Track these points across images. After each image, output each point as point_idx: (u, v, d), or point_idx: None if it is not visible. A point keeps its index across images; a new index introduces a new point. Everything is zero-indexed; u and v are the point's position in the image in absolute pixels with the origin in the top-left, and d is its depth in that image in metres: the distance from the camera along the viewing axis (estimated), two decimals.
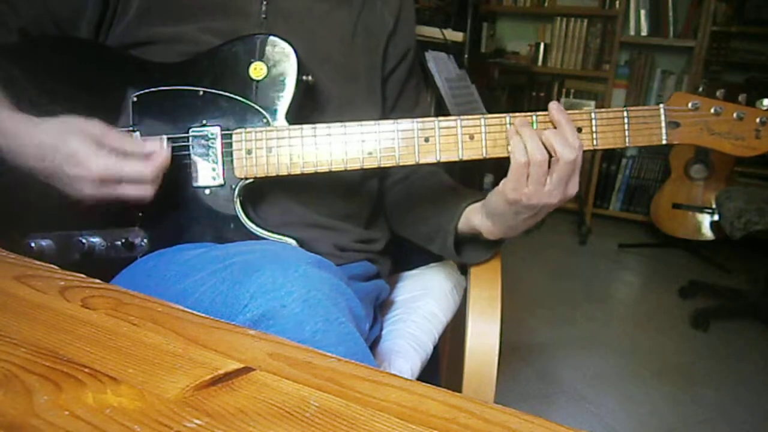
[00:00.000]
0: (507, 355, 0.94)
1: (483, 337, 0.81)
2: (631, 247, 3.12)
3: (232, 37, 0.74)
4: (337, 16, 0.83)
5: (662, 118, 0.72)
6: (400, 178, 0.92)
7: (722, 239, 2.74)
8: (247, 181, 0.73)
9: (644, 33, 3.35)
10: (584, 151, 0.70)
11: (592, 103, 3.56)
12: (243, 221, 0.73)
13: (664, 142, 0.72)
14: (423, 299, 0.94)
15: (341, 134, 0.71)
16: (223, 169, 0.73)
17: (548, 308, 2.32)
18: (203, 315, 0.43)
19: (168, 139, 0.73)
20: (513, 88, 3.48)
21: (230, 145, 0.73)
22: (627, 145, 0.72)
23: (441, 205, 0.82)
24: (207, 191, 0.73)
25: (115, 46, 0.77)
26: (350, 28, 0.84)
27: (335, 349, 0.55)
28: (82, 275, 0.48)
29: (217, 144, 0.73)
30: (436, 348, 0.89)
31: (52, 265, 0.50)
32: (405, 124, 0.71)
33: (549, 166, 0.67)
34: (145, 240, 0.72)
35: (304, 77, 0.74)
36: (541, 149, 0.66)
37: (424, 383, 0.35)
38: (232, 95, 0.73)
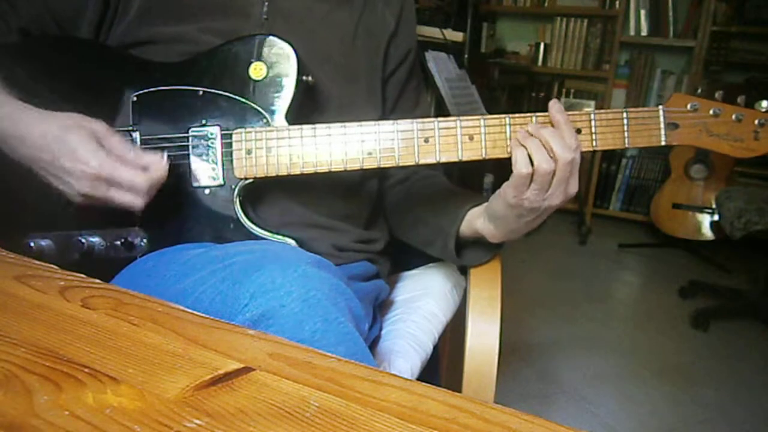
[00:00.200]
0: (507, 355, 0.94)
1: (483, 337, 0.81)
2: (631, 247, 3.12)
3: (233, 37, 0.74)
4: (338, 16, 0.83)
5: (661, 119, 0.72)
6: (399, 180, 0.92)
7: (722, 239, 2.74)
8: (247, 181, 0.73)
9: (644, 33, 3.35)
10: (584, 152, 0.70)
11: (592, 103, 3.56)
12: (242, 221, 0.73)
13: (663, 143, 0.72)
14: (423, 299, 0.94)
15: (341, 134, 0.71)
16: (223, 169, 0.73)
17: (548, 308, 2.32)
18: (203, 315, 0.43)
19: (167, 139, 0.73)
20: (513, 88, 3.48)
21: (230, 145, 0.73)
22: (626, 146, 0.72)
23: (441, 207, 0.82)
24: (206, 191, 0.73)
25: (116, 45, 0.77)
26: (351, 29, 0.84)
27: (334, 349, 0.55)
28: (82, 275, 0.48)
29: (217, 144, 0.73)
30: (436, 348, 0.89)
31: (52, 265, 0.50)
32: (405, 124, 0.71)
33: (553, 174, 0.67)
34: (145, 240, 0.72)
35: (304, 77, 0.74)
36: (548, 160, 0.66)
37: (424, 383, 0.35)
38: (231, 95, 0.73)
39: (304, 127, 0.72)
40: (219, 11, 0.77)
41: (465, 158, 0.71)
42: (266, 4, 0.77)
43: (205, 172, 0.73)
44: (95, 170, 0.64)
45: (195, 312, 0.43)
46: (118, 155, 0.66)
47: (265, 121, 0.73)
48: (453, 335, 1.02)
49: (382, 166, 0.72)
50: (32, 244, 0.70)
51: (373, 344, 0.83)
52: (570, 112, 0.70)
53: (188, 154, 0.73)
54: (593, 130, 0.71)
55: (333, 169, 0.72)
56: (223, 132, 0.73)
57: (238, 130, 0.72)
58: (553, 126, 0.69)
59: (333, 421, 0.31)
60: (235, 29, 0.75)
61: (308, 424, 0.31)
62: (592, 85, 3.56)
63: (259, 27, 0.77)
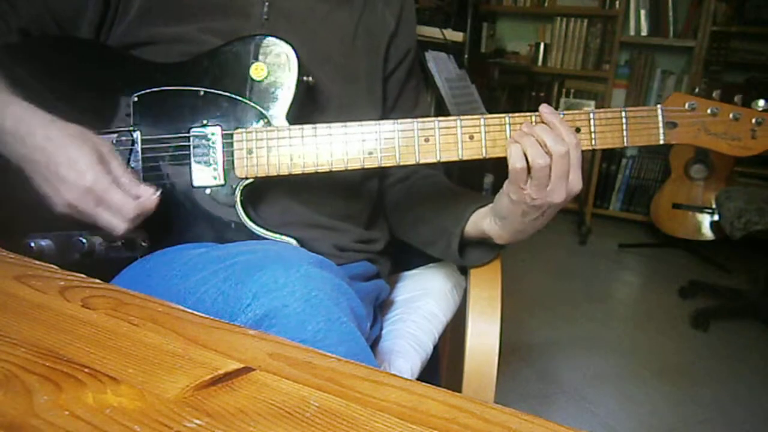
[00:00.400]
0: (507, 355, 0.94)
1: (483, 337, 0.81)
2: (631, 247, 3.12)
3: (233, 38, 0.74)
4: (338, 16, 0.83)
5: (660, 118, 0.72)
6: (399, 179, 0.91)
7: (722, 239, 2.74)
8: (248, 181, 0.73)
9: (644, 33, 3.35)
10: (583, 151, 0.70)
11: (592, 103, 3.56)
12: (243, 221, 0.73)
13: (661, 142, 0.72)
14: (423, 299, 0.94)
15: (342, 134, 0.71)
16: (224, 169, 0.73)
17: (548, 308, 2.32)
18: (203, 315, 0.43)
19: (168, 139, 0.73)
20: (513, 88, 3.48)
21: (231, 145, 0.73)
22: (625, 145, 0.72)
23: (444, 207, 0.82)
24: (207, 191, 0.73)
25: (116, 46, 0.77)
26: (351, 29, 0.84)
27: (337, 349, 0.55)
28: (82, 275, 0.48)
29: (218, 144, 0.73)
30: (436, 348, 0.89)
31: (52, 265, 0.50)
32: (405, 124, 0.71)
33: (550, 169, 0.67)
34: (146, 240, 0.72)
35: (305, 78, 0.74)
36: (543, 155, 0.66)
37: (424, 383, 0.35)
38: (232, 95, 0.73)
39: (305, 126, 0.72)
40: (219, 11, 0.77)
41: (465, 157, 0.71)
42: (266, 4, 0.77)
43: (206, 173, 0.73)
44: (89, 183, 0.63)
45: (195, 312, 0.43)
46: (115, 177, 0.66)
47: (265, 121, 0.73)
48: (453, 335, 1.02)
49: (382, 165, 0.72)
50: (32, 244, 0.70)
51: (373, 344, 0.83)
52: (569, 112, 0.71)
53: (189, 155, 0.73)
54: (592, 129, 0.71)
55: (334, 169, 0.72)
56: (224, 132, 0.73)
57: (239, 130, 0.72)
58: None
59: (333, 421, 0.31)
60: (236, 29, 0.75)
61: (308, 424, 0.31)
62: (592, 85, 3.56)
63: (259, 27, 0.77)
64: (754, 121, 0.72)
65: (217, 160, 0.73)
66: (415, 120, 0.71)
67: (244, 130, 0.72)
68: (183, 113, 0.73)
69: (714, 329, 2.21)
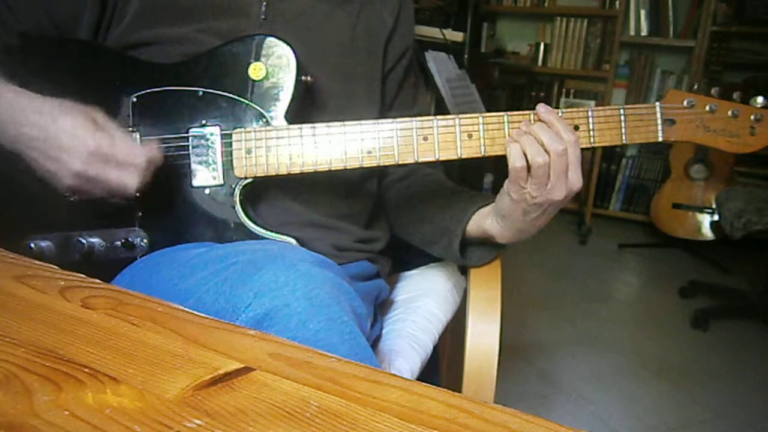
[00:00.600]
0: (507, 355, 0.94)
1: (483, 337, 0.81)
2: (631, 247, 3.12)
3: (232, 38, 0.74)
4: (337, 16, 0.83)
5: (658, 115, 0.72)
6: (399, 177, 0.91)
7: (722, 239, 2.74)
8: (247, 181, 0.73)
9: (644, 33, 3.35)
10: (583, 149, 0.70)
11: (592, 103, 3.56)
12: (243, 221, 0.73)
13: (660, 139, 0.73)
14: (423, 299, 0.94)
15: (340, 133, 0.72)
16: (223, 169, 0.73)
17: (548, 308, 2.32)
18: (203, 315, 0.43)
19: (167, 139, 0.73)
20: (513, 88, 3.47)
21: (230, 145, 0.73)
22: (624, 142, 0.72)
23: (445, 206, 0.82)
24: (207, 191, 0.73)
25: (115, 47, 0.77)
26: (349, 29, 0.84)
27: (338, 348, 0.55)
28: (82, 275, 0.48)
29: (217, 144, 0.73)
30: (436, 348, 0.89)
31: (52, 265, 0.50)
32: (403, 122, 0.71)
33: (549, 168, 0.67)
34: (145, 240, 0.72)
35: (303, 77, 0.74)
36: (542, 153, 0.66)
37: (424, 383, 0.35)
38: (231, 95, 0.73)
39: (304, 126, 0.72)
40: (217, 12, 0.77)
41: (464, 156, 0.71)
42: (264, 4, 0.77)
43: (205, 173, 0.73)
44: (92, 145, 0.63)
45: (195, 312, 0.43)
46: (114, 135, 0.66)
47: (264, 120, 0.73)
48: (453, 335, 1.02)
49: (381, 164, 0.72)
50: (32, 246, 0.70)
51: (373, 344, 0.83)
52: (567, 110, 0.71)
53: (188, 155, 0.73)
54: (591, 126, 0.72)
55: (333, 168, 0.72)
56: (222, 132, 0.73)
57: (238, 130, 0.72)
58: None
59: (333, 421, 0.31)
60: (234, 30, 0.75)
61: (308, 424, 0.31)
62: (592, 85, 3.56)
63: (257, 27, 0.77)
64: (752, 117, 0.72)
65: (216, 160, 0.73)
66: (413, 119, 0.71)
67: (243, 130, 0.72)
68: (182, 113, 0.73)
69: (714, 329, 2.21)
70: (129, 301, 0.44)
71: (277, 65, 0.73)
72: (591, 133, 0.72)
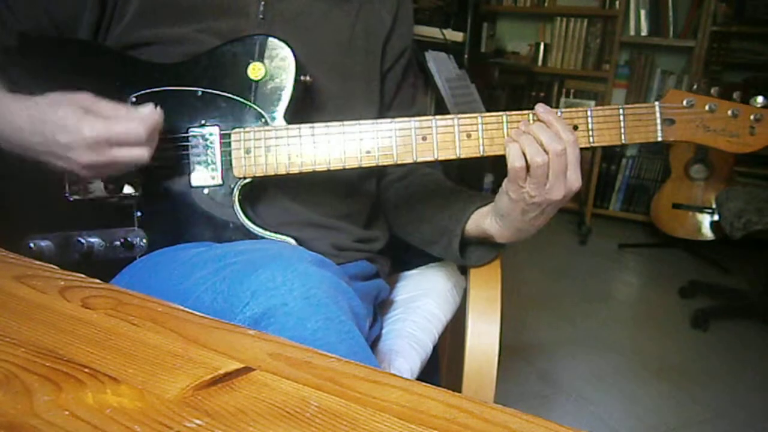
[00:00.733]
0: (507, 355, 0.94)
1: (483, 337, 0.81)
2: (631, 247, 3.12)
3: (231, 38, 0.74)
4: (335, 15, 0.83)
5: (657, 115, 0.72)
6: (398, 177, 0.91)
7: (722, 239, 2.74)
8: (246, 181, 0.73)
9: (644, 33, 3.35)
10: (582, 149, 0.70)
11: (593, 103, 3.56)
12: (242, 221, 0.73)
13: (659, 138, 0.73)
14: (423, 299, 0.94)
15: (339, 133, 0.72)
16: (222, 169, 0.73)
17: (548, 308, 2.32)
18: (203, 315, 0.43)
19: (166, 139, 0.73)
20: (513, 88, 3.48)
21: (229, 144, 0.73)
22: (623, 142, 0.72)
23: (444, 206, 0.82)
24: (206, 191, 0.73)
25: (114, 47, 0.77)
26: (348, 28, 0.84)
27: (336, 348, 0.55)
28: (82, 275, 0.48)
29: (216, 144, 0.73)
30: (435, 348, 0.89)
31: (52, 265, 0.50)
32: (402, 122, 0.71)
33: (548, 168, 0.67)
34: (144, 240, 0.72)
35: (302, 77, 0.74)
36: (541, 153, 0.67)
37: (424, 383, 0.35)
38: (230, 95, 0.73)
39: (303, 126, 0.72)
40: (216, 12, 0.77)
41: (463, 156, 0.71)
42: (263, 4, 0.77)
43: (204, 173, 0.73)
44: (88, 135, 0.63)
45: (195, 312, 0.43)
46: (108, 116, 0.65)
47: (263, 120, 0.73)
48: (453, 335, 1.02)
49: (380, 164, 0.72)
50: (32, 245, 0.70)
51: (373, 344, 0.83)
52: (567, 110, 0.71)
53: (187, 155, 0.73)
54: (590, 126, 0.72)
55: (332, 168, 0.72)
56: (222, 132, 0.73)
57: (237, 130, 0.72)
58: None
59: (333, 421, 0.31)
60: (233, 30, 0.75)
61: (308, 424, 0.31)
62: (592, 85, 3.56)
63: (255, 27, 0.77)
64: (752, 117, 0.72)
65: (215, 160, 0.73)
66: (412, 119, 0.71)
67: (242, 129, 0.72)
68: (181, 113, 0.73)
69: (714, 329, 2.21)
70: (129, 301, 0.44)
71: (276, 65, 0.73)
72: (590, 133, 0.72)
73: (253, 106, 0.73)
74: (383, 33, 0.87)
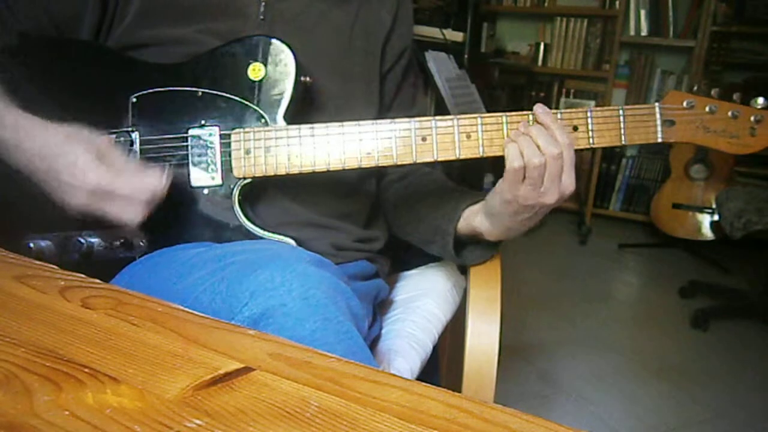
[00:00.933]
0: (507, 355, 0.94)
1: (483, 337, 0.81)
2: (631, 247, 3.12)
3: (231, 39, 0.74)
4: (335, 16, 0.83)
5: (657, 116, 0.72)
6: (397, 177, 0.91)
7: (722, 239, 2.74)
8: (246, 181, 0.73)
9: (644, 33, 3.35)
10: (582, 150, 0.70)
11: (592, 103, 3.56)
12: (241, 221, 0.73)
13: (659, 140, 0.73)
14: (423, 299, 0.94)
15: (339, 134, 0.72)
16: (222, 170, 0.73)
17: (548, 308, 2.32)
18: (203, 315, 0.43)
19: (166, 140, 0.73)
20: (513, 88, 3.48)
21: (229, 145, 0.73)
22: (623, 143, 0.72)
23: (439, 206, 0.82)
24: (205, 191, 0.73)
25: (115, 47, 0.77)
26: (348, 28, 0.84)
27: (334, 348, 0.55)
28: (82, 275, 0.48)
29: (216, 144, 0.73)
30: (435, 348, 0.89)
31: (52, 265, 0.50)
32: (402, 123, 0.71)
33: (545, 170, 0.67)
34: (144, 240, 0.72)
35: (303, 78, 0.74)
36: (538, 154, 0.66)
37: (423, 383, 0.35)
38: (230, 96, 0.73)
39: (303, 126, 0.72)
40: (216, 13, 0.77)
41: (463, 156, 0.71)
42: (263, 5, 0.77)
43: (204, 173, 0.73)
44: (92, 184, 0.63)
45: (195, 312, 0.43)
46: (118, 169, 0.65)
47: (263, 121, 0.73)
48: (453, 335, 1.02)
49: (380, 165, 0.72)
50: (32, 245, 0.70)
51: (373, 344, 0.83)
52: (566, 110, 0.71)
53: (187, 155, 0.73)
54: (590, 127, 0.72)
55: (332, 169, 0.72)
56: (222, 132, 0.73)
57: (237, 131, 0.72)
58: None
59: (333, 421, 0.31)
60: (233, 30, 0.75)
61: (308, 424, 0.31)
62: (592, 85, 3.56)
63: (255, 28, 0.77)
64: (753, 118, 0.72)
65: (215, 160, 0.73)
66: (412, 119, 0.71)
67: (242, 130, 0.72)
68: (181, 114, 0.73)
69: (714, 329, 2.21)
70: (129, 301, 0.44)
71: (276, 66, 0.73)
72: (590, 133, 0.71)
73: (253, 106, 0.73)
74: (383, 33, 0.87)
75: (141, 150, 0.73)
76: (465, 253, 0.84)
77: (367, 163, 0.72)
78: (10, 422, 0.30)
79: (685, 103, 0.72)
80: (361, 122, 0.72)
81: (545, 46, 3.59)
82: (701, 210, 2.91)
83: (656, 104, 0.72)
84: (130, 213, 0.66)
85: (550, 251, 2.98)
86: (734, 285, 2.69)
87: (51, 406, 0.31)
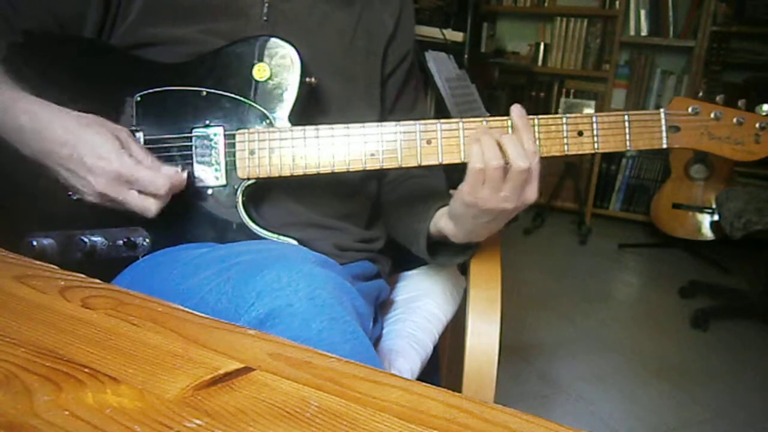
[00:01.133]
0: (507, 355, 0.94)
1: (483, 337, 0.81)
2: (631, 247, 3.12)
3: (234, 39, 0.74)
4: (338, 17, 0.83)
5: (663, 122, 0.72)
6: (391, 180, 0.91)
7: (722, 239, 2.74)
8: (250, 182, 0.73)
9: (644, 33, 3.35)
10: (585, 154, 0.70)
11: (592, 103, 3.56)
12: (245, 221, 0.73)
13: (664, 146, 0.73)
14: (423, 299, 0.94)
15: (344, 135, 0.71)
16: (226, 170, 0.73)
17: (548, 308, 2.32)
18: (203, 315, 0.43)
19: (170, 139, 0.73)
20: (513, 88, 3.48)
21: (233, 145, 0.73)
22: (628, 148, 0.72)
23: (415, 208, 0.82)
24: (209, 191, 0.73)
25: (119, 46, 0.77)
26: (350, 30, 0.84)
27: (341, 348, 0.55)
28: (82, 275, 0.48)
29: (220, 144, 0.73)
30: (436, 348, 0.89)
31: (52, 265, 0.50)
32: (407, 125, 0.71)
33: (505, 174, 0.66)
34: (147, 240, 0.72)
35: (308, 78, 0.74)
36: (498, 157, 0.65)
37: (424, 383, 0.35)
38: (235, 96, 0.73)
39: (307, 128, 0.72)
40: (219, 13, 0.77)
41: (467, 159, 0.71)
42: (266, 5, 0.77)
43: (208, 173, 0.73)
44: (116, 168, 0.64)
45: (195, 312, 0.43)
46: (139, 159, 0.66)
47: (268, 121, 0.73)
48: (453, 335, 1.02)
49: (384, 167, 0.72)
50: (34, 243, 0.70)
51: (374, 344, 0.83)
52: (572, 115, 0.71)
53: (191, 155, 0.73)
54: (595, 132, 0.72)
55: (336, 170, 0.72)
56: (226, 132, 0.73)
57: (241, 131, 0.72)
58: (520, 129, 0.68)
59: (333, 421, 0.31)
60: (236, 31, 0.75)
61: (308, 424, 0.31)
62: (592, 85, 3.56)
63: (259, 28, 0.77)
64: (758, 125, 0.72)
65: (219, 160, 0.73)
66: (417, 122, 0.71)
67: (246, 130, 0.72)
68: (186, 113, 0.73)
69: (714, 329, 2.21)
70: (129, 301, 0.44)
71: (281, 66, 0.73)
72: (595, 138, 0.72)
73: (258, 107, 0.73)
74: (385, 36, 0.87)
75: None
76: (440, 255, 0.83)
77: (371, 165, 0.72)
78: (10, 422, 0.30)
79: (690, 109, 0.72)
80: (366, 124, 0.71)
81: (545, 46, 3.59)
82: (701, 210, 2.90)
83: (661, 110, 0.72)
84: (149, 203, 0.66)
85: (550, 251, 2.98)
86: (734, 285, 2.69)
87: (51, 406, 0.31)
